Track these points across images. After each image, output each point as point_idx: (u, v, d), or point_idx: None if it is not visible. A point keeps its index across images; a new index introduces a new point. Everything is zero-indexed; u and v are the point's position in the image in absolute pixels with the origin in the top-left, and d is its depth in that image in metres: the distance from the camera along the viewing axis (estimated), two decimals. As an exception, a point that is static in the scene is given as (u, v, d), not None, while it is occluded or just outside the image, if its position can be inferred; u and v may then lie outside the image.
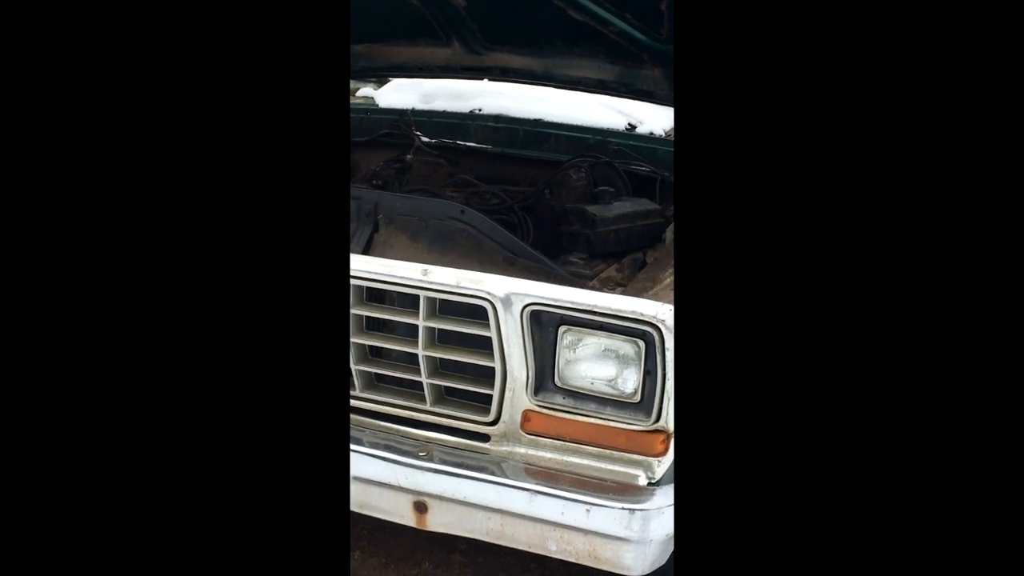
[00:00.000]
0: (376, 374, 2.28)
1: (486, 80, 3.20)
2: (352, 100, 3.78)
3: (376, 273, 2.15)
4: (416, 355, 2.15)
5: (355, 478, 2.19)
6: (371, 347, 2.26)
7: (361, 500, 2.22)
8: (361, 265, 2.17)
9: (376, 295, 2.23)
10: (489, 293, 2.04)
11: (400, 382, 2.26)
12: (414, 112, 3.43)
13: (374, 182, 2.86)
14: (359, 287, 2.19)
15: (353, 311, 2.18)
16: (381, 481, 2.16)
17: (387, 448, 2.19)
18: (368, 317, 2.22)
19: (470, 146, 3.27)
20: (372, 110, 3.57)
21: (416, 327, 2.14)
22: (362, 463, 2.18)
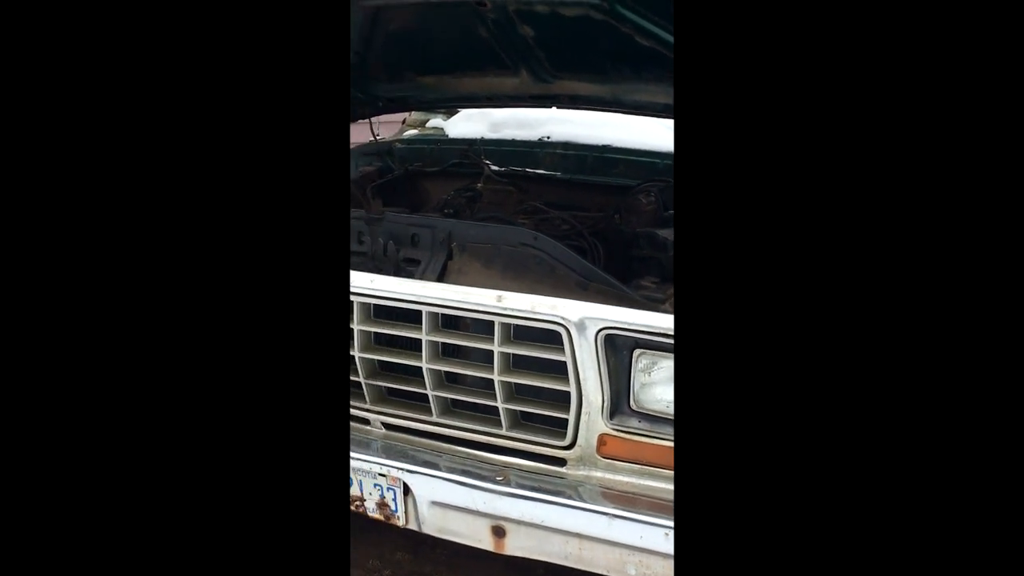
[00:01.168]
0: (453, 400, 2.31)
1: (554, 108, 3.23)
2: (422, 131, 3.85)
3: (451, 300, 2.18)
4: (492, 380, 2.18)
5: (433, 503, 2.22)
6: (447, 373, 2.29)
7: (440, 525, 2.25)
8: (436, 292, 2.21)
9: (451, 322, 2.27)
10: (563, 318, 2.06)
11: (476, 407, 2.29)
12: (483, 141, 3.48)
13: (446, 211, 2.91)
14: (434, 314, 2.23)
15: (428, 338, 2.22)
16: (459, 506, 2.19)
17: (464, 473, 2.21)
18: (444, 344, 2.26)
19: (539, 173, 3.30)
20: (442, 140, 3.63)
21: (491, 353, 2.17)
22: (440, 488, 2.21)
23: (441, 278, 2.34)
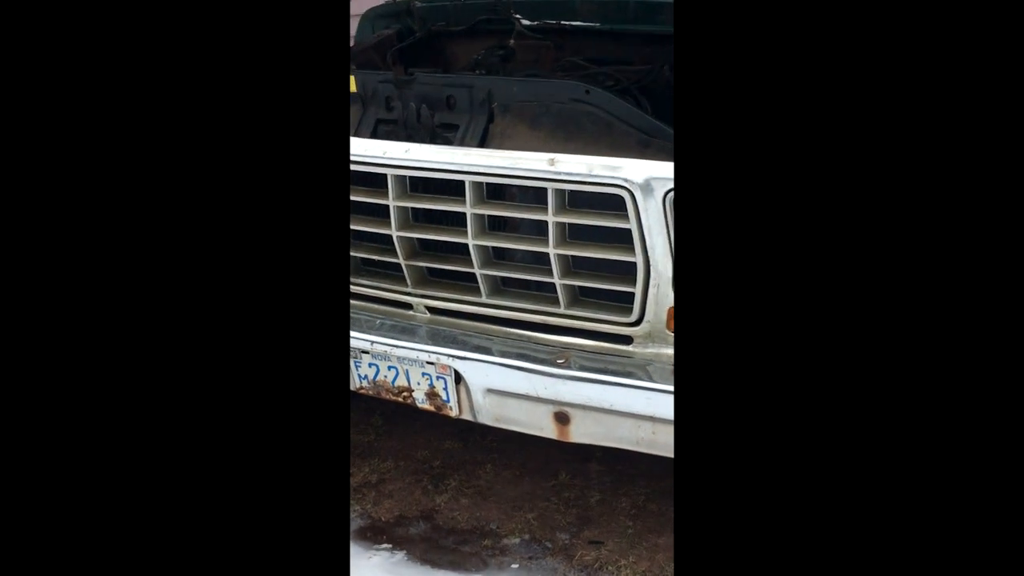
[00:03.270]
0: (503, 278, 2.10)
1: (590, -50, 2.92)
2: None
3: (497, 167, 1.96)
4: (547, 255, 1.97)
5: (489, 390, 2.05)
6: (495, 249, 2.08)
7: (497, 414, 2.08)
8: (480, 160, 1.98)
9: (496, 192, 2.04)
10: (626, 180, 1.84)
11: (530, 285, 2.08)
12: (511, -7, 3.16)
13: (478, 72, 2.64)
14: (478, 184, 2.00)
15: (473, 211, 2.01)
16: (518, 392, 2.02)
17: (521, 357, 2.04)
18: (490, 216, 2.04)
19: (576, 25, 2.99)
20: (465, -4, 3.31)
21: (545, 224, 1.95)
22: (495, 374, 2.04)
23: (483, 143, 2.10)
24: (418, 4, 3.27)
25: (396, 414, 2.85)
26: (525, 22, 2.95)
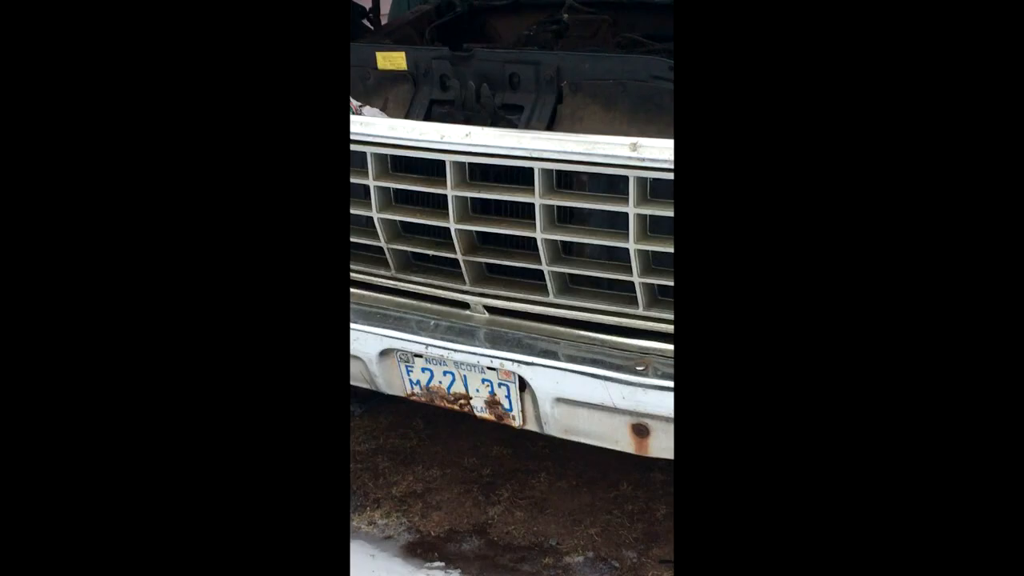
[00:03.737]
0: (571, 275, 1.90)
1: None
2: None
3: (571, 153, 1.75)
4: (624, 250, 1.77)
5: (559, 399, 1.86)
6: (563, 243, 1.88)
7: (567, 425, 1.89)
8: (551, 145, 1.78)
9: (566, 179, 1.84)
10: (720, 167, 1.63)
11: (603, 283, 1.88)
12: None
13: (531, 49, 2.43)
14: (548, 172, 1.80)
15: (543, 201, 1.80)
16: (591, 402, 1.83)
17: (593, 362, 1.84)
18: (560, 208, 1.84)
19: (631, -1, 2.79)
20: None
21: (620, 216, 1.75)
22: (566, 381, 1.84)
23: (551, 126, 1.90)
24: (459, -24, 3.06)
25: (439, 417, 2.66)
26: (576, -7, 2.74)
